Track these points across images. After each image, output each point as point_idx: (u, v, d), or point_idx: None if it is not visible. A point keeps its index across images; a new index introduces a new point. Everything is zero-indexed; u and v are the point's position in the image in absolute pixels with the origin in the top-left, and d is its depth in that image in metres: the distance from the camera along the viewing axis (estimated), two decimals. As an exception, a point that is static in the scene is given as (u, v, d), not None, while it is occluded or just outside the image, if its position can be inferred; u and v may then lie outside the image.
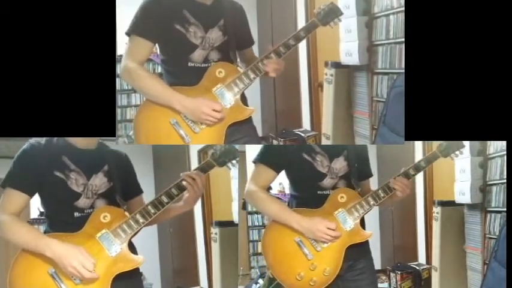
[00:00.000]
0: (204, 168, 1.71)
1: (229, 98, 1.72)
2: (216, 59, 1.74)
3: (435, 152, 1.88)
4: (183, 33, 1.70)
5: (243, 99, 1.77)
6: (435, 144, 1.90)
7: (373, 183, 1.94)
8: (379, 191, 1.80)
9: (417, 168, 1.84)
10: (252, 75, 1.73)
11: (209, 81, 1.72)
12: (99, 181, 1.62)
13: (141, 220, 1.61)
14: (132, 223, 1.60)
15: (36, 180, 1.57)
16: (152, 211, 1.62)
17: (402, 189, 1.79)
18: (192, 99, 1.68)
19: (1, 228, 1.54)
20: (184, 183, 1.64)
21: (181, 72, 1.74)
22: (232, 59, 1.77)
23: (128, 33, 1.71)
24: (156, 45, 1.75)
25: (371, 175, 1.94)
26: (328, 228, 1.71)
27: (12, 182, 1.57)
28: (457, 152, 1.88)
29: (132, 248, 1.62)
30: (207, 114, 1.66)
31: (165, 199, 1.63)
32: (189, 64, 1.72)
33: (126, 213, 1.62)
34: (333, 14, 1.81)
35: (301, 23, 3.30)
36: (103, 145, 1.71)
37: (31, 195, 1.58)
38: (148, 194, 1.79)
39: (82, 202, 1.59)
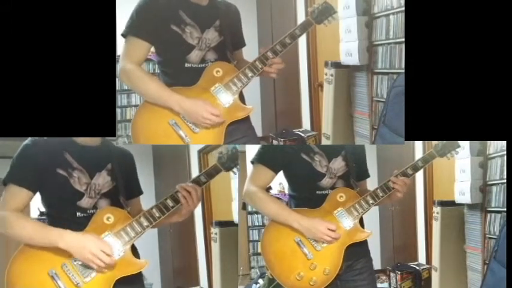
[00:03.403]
0: (211, 173, 1.69)
1: (228, 97, 1.72)
2: (212, 59, 1.74)
3: (432, 152, 1.89)
4: (179, 34, 1.70)
5: (241, 98, 1.77)
6: (434, 144, 1.91)
7: (373, 183, 1.94)
8: (378, 190, 1.80)
9: (415, 168, 1.84)
10: (249, 74, 1.74)
11: (207, 80, 1.72)
12: (103, 180, 1.60)
13: (145, 223, 1.58)
14: (136, 226, 1.58)
15: (38, 177, 1.54)
16: (157, 214, 1.60)
17: (401, 188, 1.78)
18: (191, 101, 1.67)
19: (3, 224, 1.51)
20: (179, 195, 1.61)
21: (178, 73, 1.73)
22: (229, 59, 1.77)
23: (124, 35, 1.71)
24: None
25: (368, 176, 1.94)
26: (329, 229, 1.72)
27: (14, 178, 1.54)
28: (453, 152, 1.89)
29: (134, 250, 1.60)
30: (205, 118, 1.66)
31: (170, 203, 1.62)
32: (186, 65, 1.72)
33: (129, 215, 1.60)
34: (326, 12, 1.82)
35: (301, 23, 3.30)
36: (107, 142, 1.68)
37: (34, 191, 1.55)
38: (148, 194, 1.78)
39: (85, 202, 1.56)
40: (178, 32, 1.70)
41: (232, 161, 1.71)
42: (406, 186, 1.80)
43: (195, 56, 1.72)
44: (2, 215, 1.52)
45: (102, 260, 1.47)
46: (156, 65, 1.83)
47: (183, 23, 1.70)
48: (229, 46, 1.77)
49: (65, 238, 1.47)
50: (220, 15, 1.75)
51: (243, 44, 1.89)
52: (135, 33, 1.69)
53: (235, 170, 1.73)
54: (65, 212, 1.56)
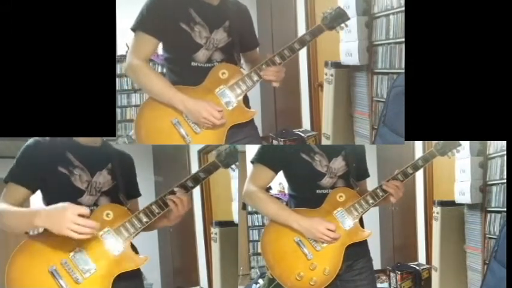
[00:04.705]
0: (209, 170, 1.70)
1: (232, 99, 1.72)
2: (219, 59, 1.74)
3: (432, 151, 1.88)
4: (188, 32, 1.70)
5: (245, 100, 1.77)
6: (435, 143, 1.91)
7: (373, 183, 1.94)
8: (378, 190, 1.79)
9: (415, 167, 1.83)
10: (255, 78, 1.74)
11: (212, 82, 1.72)
12: (103, 178, 1.61)
13: (144, 219, 1.59)
14: (136, 222, 1.58)
15: (40, 176, 1.55)
16: (156, 210, 1.60)
17: (395, 192, 1.77)
18: (195, 101, 1.67)
19: (2, 217, 1.51)
20: (168, 202, 1.61)
21: (184, 71, 1.74)
22: (236, 60, 1.77)
23: (134, 29, 1.71)
24: (160, 44, 1.75)
25: (368, 176, 1.93)
26: (328, 229, 1.72)
27: (14, 177, 1.56)
28: (454, 151, 1.88)
29: (133, 247, 1.60)
30: (207, 119, 1.66)
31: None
32: (192, 64, 1.72)
33: (129, 212, 1.60)
34: (339, 18, 1.80)
35: (301, 25, 3.31)
36: (107, 143, 1.70)
37: (33, 190, 1.57)
38: (148, 194, 1.78)
39: (86, 199, 1.57)
40: (187, 31, 1.70)
41: (230, 158, 1.71)
42: (399, 190, 1.78)
43: (201, 55, 1.72)
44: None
45: (80, 224, 1.39)
46: (157, 65, 1.84)
47: (192, 21, 1.70)
48: (237, 47, 1.77)
49: (41, 215, 1.41)
50: (230, 16, 1.75)
51: (256, 44, 1.89)
52: (144, 28, 1.69)
53: (233, 166, 1.73)
54: None
